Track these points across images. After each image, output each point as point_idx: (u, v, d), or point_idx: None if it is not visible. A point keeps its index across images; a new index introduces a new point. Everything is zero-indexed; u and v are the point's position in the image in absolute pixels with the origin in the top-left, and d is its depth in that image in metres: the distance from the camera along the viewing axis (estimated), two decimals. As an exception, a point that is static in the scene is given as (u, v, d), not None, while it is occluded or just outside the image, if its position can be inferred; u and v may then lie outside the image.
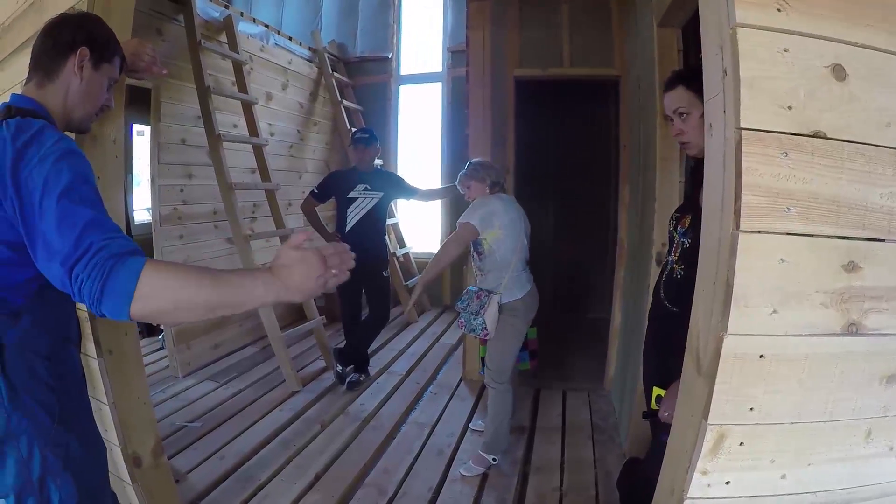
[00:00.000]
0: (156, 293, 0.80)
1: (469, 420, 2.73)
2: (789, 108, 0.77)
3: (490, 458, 2.25)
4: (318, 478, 2.18)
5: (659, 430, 1.26)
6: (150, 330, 3.88)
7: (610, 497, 2.01)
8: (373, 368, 3.34)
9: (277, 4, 5.67)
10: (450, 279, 5.09)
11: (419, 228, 5.33)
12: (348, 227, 3.04)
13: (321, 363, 3.49)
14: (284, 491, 2.07)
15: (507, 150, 3.16)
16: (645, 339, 1.51)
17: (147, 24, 2.94)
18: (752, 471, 0.85)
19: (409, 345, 3.97)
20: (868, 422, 0.85)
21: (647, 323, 1.52)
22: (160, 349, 3.65)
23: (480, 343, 2.94)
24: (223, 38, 3.48)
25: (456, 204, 3.83)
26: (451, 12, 5.08)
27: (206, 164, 3.30)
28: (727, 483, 0.85)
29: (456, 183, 2.38)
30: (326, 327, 3.72)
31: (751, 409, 0.82)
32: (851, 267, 0.80)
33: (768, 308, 0.79)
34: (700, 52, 0.91)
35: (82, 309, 1.23)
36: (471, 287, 2.31)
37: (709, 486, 0.85)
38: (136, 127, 4.43)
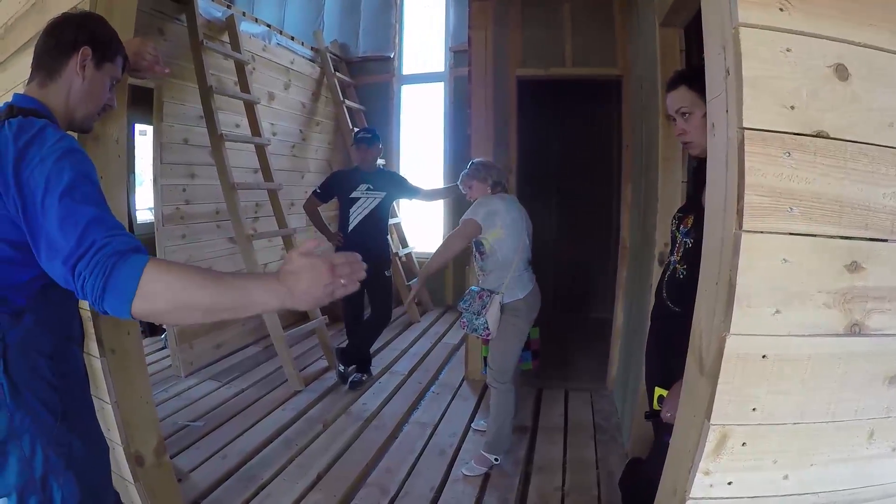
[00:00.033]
0: (157, 292, 0.80)
1: (471, 420, 2.73)
2: (792, 107, 0.77)
3: (492, 457, 2.24)
4: (320, 477, 2.18)
5: (661, 430, 1.26)
6: (152, 329, 3.89)
7: (612, 497, 2.01)
8: (375, 368, 3.34)
9: (280, 4, 5.67)
10: (452, 279, 5.09)
11: (421, 228, 5.33)
12: (351, 227, 3.04)
13: (323, 363, 3.49)
14: (287, 490, 2.07)
15: (509, 150, 3.16)
16: (647, 340, 1.50)
17: (149, 24, 2.95)
18: (754, 471, 0.84)
19: (411, 345, 3.97)
20: (871, 422, 0.85)
21: (649, 323, 1.52)
22: (163, 348, 3.66)
23: (482, 343, 2.94)
24: (225, 37, 3.49)
25: (458, 204, 3.83)
26: (453, 12, 5.09)
27: (208, 164, 3.30)
28: (729, 483, 0.84)
29: (458, 183, 2.38)
30: (329, 327, 3.72)
31: (753, 409, 0.81)
32: (854, 267, 0.79)
33: (771, 308, 0.79)
34: (702, 52, 0.91)
35: (85, 308, 1.23)
36: (473, 287, 2.31)
37: (711, 486, 0.84)
38: (139, 127, 4.45)
